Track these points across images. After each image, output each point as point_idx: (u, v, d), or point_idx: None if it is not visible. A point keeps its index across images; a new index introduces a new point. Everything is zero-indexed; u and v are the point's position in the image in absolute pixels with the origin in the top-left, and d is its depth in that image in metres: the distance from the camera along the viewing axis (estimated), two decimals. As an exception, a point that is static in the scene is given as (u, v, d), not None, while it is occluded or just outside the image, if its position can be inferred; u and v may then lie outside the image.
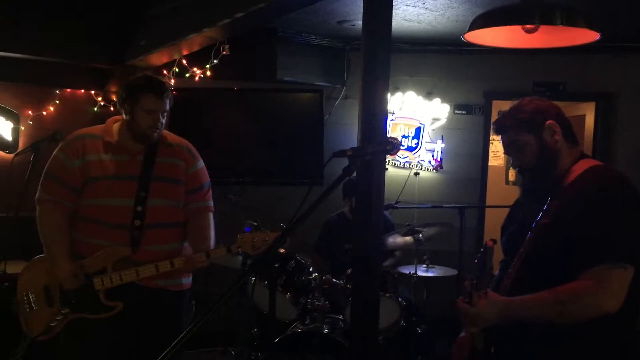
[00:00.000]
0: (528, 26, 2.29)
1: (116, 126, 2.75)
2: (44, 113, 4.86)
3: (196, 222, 2.80)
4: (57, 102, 4.89)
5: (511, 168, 6.55)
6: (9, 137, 4.79)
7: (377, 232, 2.50)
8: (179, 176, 2.77)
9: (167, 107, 2.70)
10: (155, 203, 2.69)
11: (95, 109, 4.92)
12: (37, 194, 2.71)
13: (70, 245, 2.66)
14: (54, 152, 2.72)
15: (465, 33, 2.42)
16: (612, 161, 5.00)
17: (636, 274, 1.80)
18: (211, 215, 2.88)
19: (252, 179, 5.14)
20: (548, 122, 1.99)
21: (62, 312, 2.62)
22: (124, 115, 2.71)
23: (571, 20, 2.21)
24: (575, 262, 1.80)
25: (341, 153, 1.65)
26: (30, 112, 4.82)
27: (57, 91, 4.90)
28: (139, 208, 2.65)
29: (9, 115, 4.79)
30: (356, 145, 5.22)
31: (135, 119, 2.65)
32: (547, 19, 2.20)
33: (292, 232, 1.83)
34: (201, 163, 2.88)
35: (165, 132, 2.83)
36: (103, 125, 2.79)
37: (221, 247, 2.67)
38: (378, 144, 1.71)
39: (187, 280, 2.85)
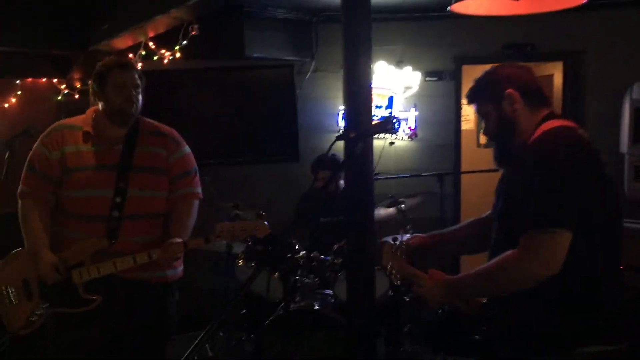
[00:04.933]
0: (515, -8, 2.26)
1: (95, 115, 2.71)
2: (6, 105, 4.68)
3: (177, 210, 2.74)
4: (19, 92, 4.71)
5: (482, 131, 6.68)
6: (-29, 132, 4.61)
7: (371, 207, 2.49)
8: (159, 165, 2.72)
9: (138, 81, 2.66)
10: (135, 194, 2.64)
11: (59, 97, 4.76)
12: (19, 187, 2.66)
13: (51, 238, 2.61)
14: (35, 144, 2.67)
15: (451, 5, 2.39)
16: (581, 119, 5.08)
17: (582, 236, 1.79)
18: (196, 203, 2.82)
19: (227, 159, 5.07)
20: (507, 91, 1.99)
21: (42, 306, 2.59)
22: (99, 105, 2.68)
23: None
24: (511, 231, 1.84)
25: (344, 136, 1.62)
26: (-9, 105, 4.65)
27: (18, 82, 4.72)
28: (118, 199, 2.60)
29: (-30, 109, 4.62)
30: (337, 121, 5.20)
31: (109, 100, 2.63)
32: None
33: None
34: (186, 149, 2.82)
35: (146, 120, 2.79)
36: (83, 115, 2.74)
37: (199, 238, 2.63)
38: (380, 125, 1.69)
39: (173, 272, 2.78)
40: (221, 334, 4.41)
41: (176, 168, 2.76)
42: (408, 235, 2.00)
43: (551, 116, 2.03)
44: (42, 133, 2.72)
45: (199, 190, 2.84)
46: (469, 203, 5.57)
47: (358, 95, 2.58)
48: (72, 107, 2.82)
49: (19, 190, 2.66)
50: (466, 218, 5.86)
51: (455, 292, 1.95)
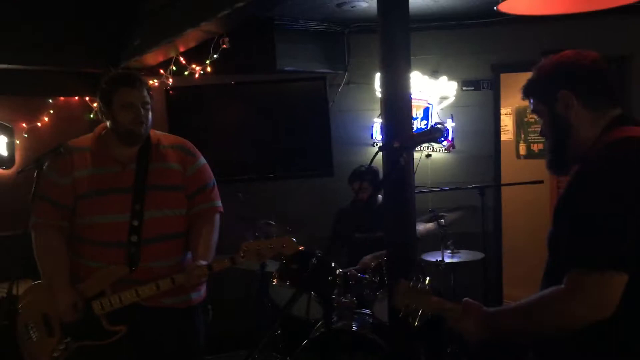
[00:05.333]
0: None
1: (103, 135, 2.55)
2: (39, 124, 4.68)
3: (199, 228, 2.58)
4: (51, 111, 4.71)
5: (521, 142, 6.46)
6: (4, 152, 4.61)
7: (413, 222, 2.34)
8: (176, 182, 2.56)
9: (147, 98, 2.49)
10: (153, 215, 2.48)
11: (92, 115, 4.74)
12: (31, 219, 2.50)
13: (69, 270, 2.48)
14: (43, 170, 2.49)
15: (498, 4, 2.25)
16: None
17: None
18: (217, 218, 2.66)
19: (260, 175, 4.98)
20: (561, 92, 1.73)
21: (64, 341, 2.44)
22: (107, 123, 2.51)
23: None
24: (561, 261, 1.59)
25: (387, 146, 1.48)
26: (24, 124, 4.64)
27: (50, 100, 4.72)
28: (135, 222, 2.45)
29: (3, 129, 4.61)
30: (372, 133, 5.06)
31: (116, 119, 2.45)
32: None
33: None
34: (202, 161, 2.66)
35: (158, 134, 2.63)
36: (91, 134, 2.58)
37: (224, 260, 2.47)
38: (426, 133, 1.55)
39: (197, 295, 2.63)
40: (256, 356, 4.28)
41: (194, 183, 2.60)
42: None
43: (622, 120, 1.73)
44: None
45: (219, 203, 2.68)
46: (510, 217, 5.36)
47: (397, 105, 2.46)
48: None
49: (31, 222, 2.50)
50: (508, 232, 5.61)
51: (493, 327, 1.72)
